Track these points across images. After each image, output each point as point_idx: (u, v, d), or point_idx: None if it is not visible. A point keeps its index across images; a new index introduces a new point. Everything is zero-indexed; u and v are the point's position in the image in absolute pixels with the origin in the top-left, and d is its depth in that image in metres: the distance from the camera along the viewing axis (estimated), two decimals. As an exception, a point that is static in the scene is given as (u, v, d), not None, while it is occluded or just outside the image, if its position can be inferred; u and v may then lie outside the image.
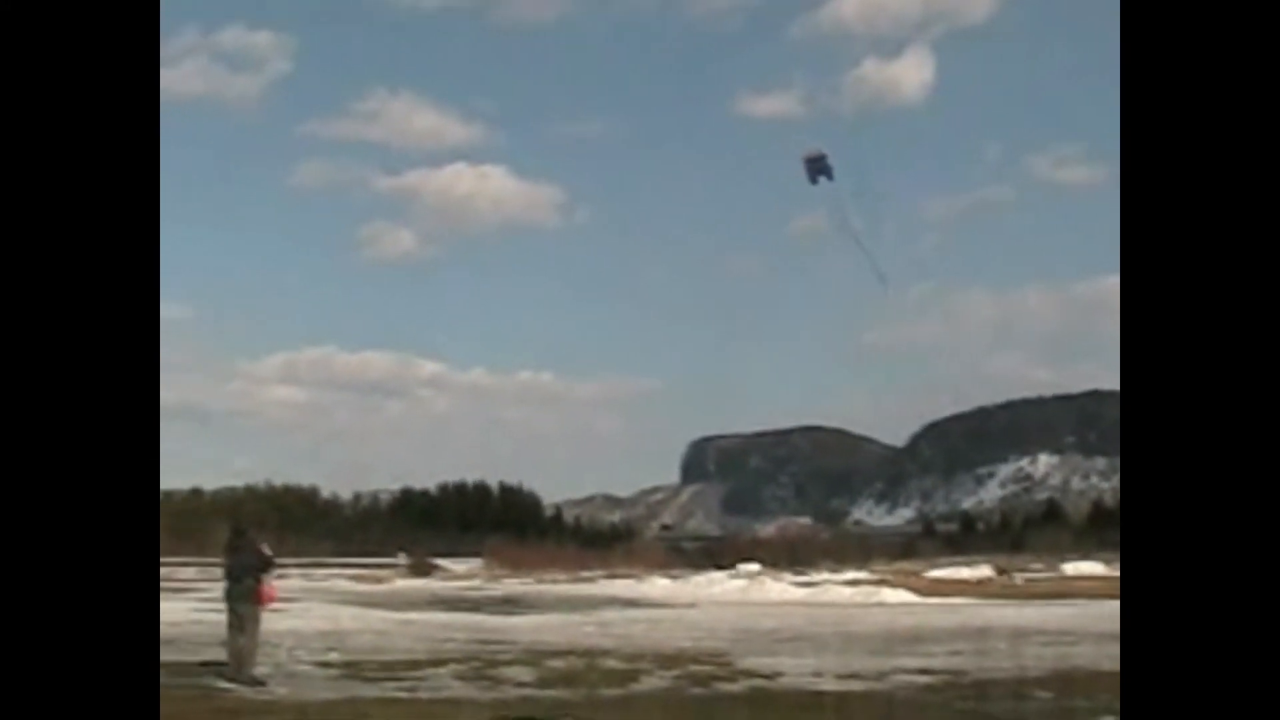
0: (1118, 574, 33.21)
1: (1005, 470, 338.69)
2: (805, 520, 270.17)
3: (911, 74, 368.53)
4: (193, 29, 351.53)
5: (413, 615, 32.97)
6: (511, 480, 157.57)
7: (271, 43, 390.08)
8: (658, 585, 53.30)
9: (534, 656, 20.10)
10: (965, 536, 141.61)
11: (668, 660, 19.61)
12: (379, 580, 66.14)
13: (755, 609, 36.98)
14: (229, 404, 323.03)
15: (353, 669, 18.29)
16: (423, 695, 15.69)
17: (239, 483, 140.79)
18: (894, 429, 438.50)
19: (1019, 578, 55.31)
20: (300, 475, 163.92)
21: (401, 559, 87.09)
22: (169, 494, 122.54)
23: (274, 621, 21.31)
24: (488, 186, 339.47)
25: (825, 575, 53.94)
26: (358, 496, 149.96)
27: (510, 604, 41.64)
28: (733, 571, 57.80)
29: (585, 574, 70.00)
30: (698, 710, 15.18)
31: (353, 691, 15.84)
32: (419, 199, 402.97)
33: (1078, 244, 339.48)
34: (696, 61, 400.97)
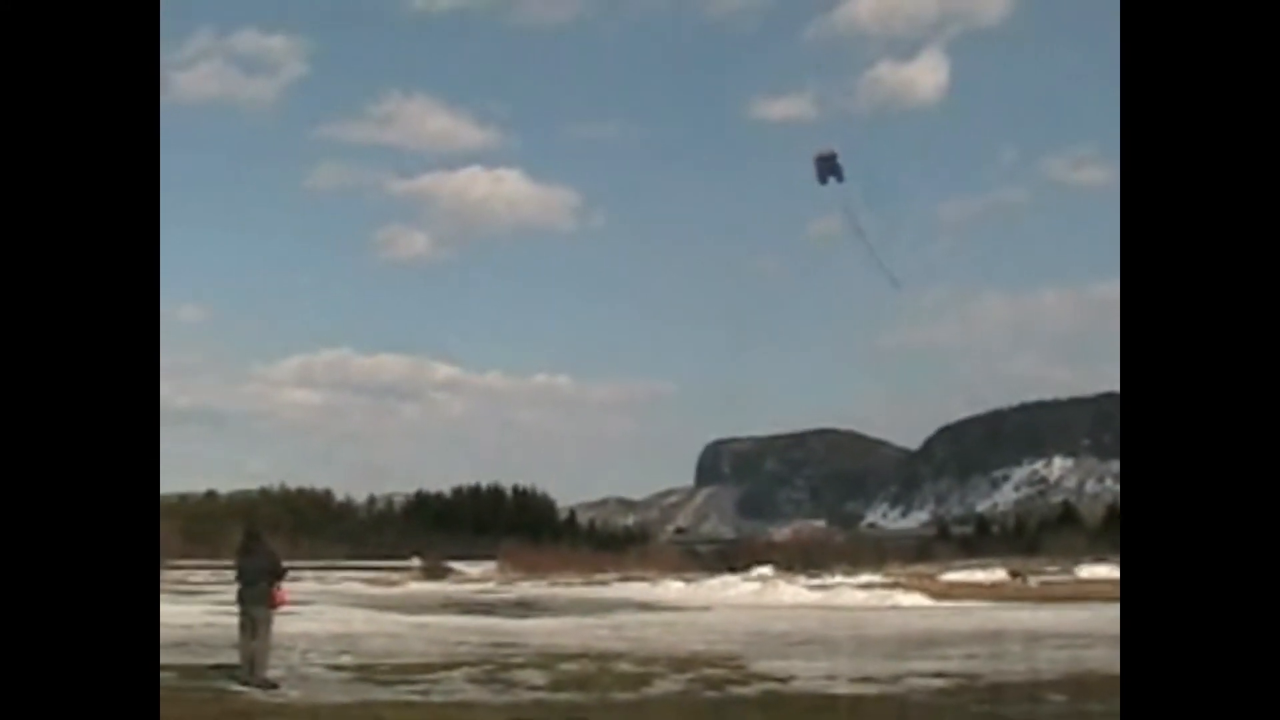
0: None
1: (1020, 473, 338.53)
2: (820, 523, 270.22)
3: (926, 76, 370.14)
4: (207, 31, 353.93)
5: (426, 618, 32.97)
6: (526, 483, 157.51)
7: (286, 46, 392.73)
8: (671, 588, 53.22)
9: (547, 660, 20.06)
10: (980, 539, 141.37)
11: (681, 663, 19.56)
12: (393, 583, 66.16)
13: (769, 612, 36.88)
14: (244, 406, 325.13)
15: (365, 672, 18.28)
16: (435, 698, 15.66)
17: (253, 485, 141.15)
18: (909, 432, 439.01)
19: (1033, 581, 55.12)
20: (315, 478, 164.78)
21: (415, 562, 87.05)
22: (184, 496, 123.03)
23: (287, 624, 21.32)
24: (502, 190, 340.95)
25: (839, 578, 53.79)
26: (372, 499, 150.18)
27: (524, 607, 41.59)
28: (746, 574, 57.67)
29: (599, 577, 69.93)
30: (711, 713, 15.12)
31: (365, 695, 15.82)
32: (434, 202, 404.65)
33: (1094, 245, 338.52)
34: (711, 64, 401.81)
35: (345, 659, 20.22)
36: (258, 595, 16.76)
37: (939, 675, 17.84)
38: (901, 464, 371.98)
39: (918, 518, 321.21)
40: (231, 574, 18.75)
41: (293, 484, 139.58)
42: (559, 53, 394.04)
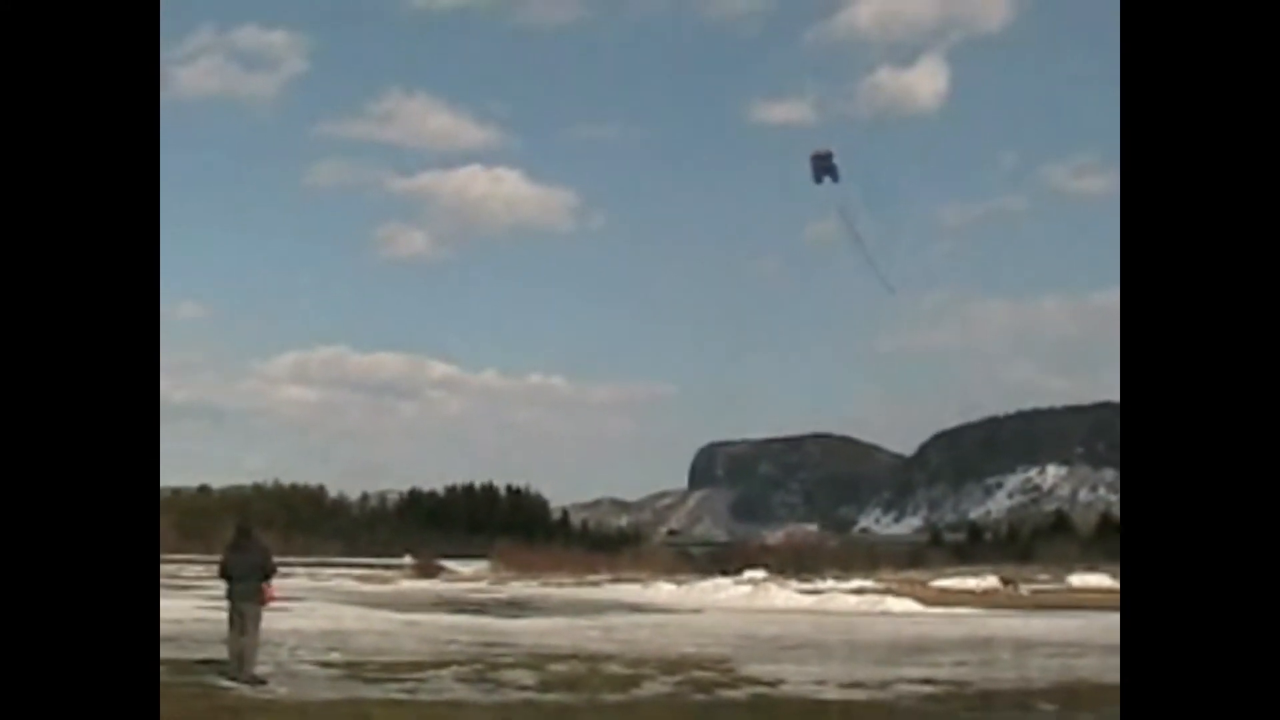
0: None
1: (1013, 481, 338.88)
2: (813, 527, 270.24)
3: (926, 82, 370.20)
4: (208, 27, 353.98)
5: (417, 616, 32.96)
6: (520, 483, 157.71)
7: (287, 42, 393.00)
8: (663, 590, 53.26)
9: (537, 660, 20.04)
10: (972, 546, 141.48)
11: (671, 666, 19.54)
12: (385, 581, 66.18)
13: (760, 615, 36.89)
14: (241, 403, 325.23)
15: (354, 669, 18.24)
16: (424, 697, 15.63)
17: (248, 481, 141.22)
18: (904, 437, 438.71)
19: (1025, 588, 55.22)
20: (311, 475, 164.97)
21: (408, 560, 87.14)
22: (178, 491, 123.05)
23: (277, 620, 21.32)
24: (501, 189, 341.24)
25: (831, 583, 53.87)
26: (366, 497, 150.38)
27: (515, 607, 41.63)
28: (739, 577, 57.75)
29: (591, 578, 70.04)
30: (699, 716, 15.08)
31: (353, 692, 15.79)
32: (433, 201, 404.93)
33: (1093, 253, 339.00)
34: (711, 67, 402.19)
35: (335, 656, 20.19)
36: (248, 591, 16.73)
37: (928, 682, 17.83)
38: (896, 469, 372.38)
39: (911, 523, 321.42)
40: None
41: (287, 480, 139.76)
42: (559, 53, 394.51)
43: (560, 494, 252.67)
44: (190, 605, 31.23)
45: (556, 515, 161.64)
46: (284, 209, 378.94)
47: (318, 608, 33.91)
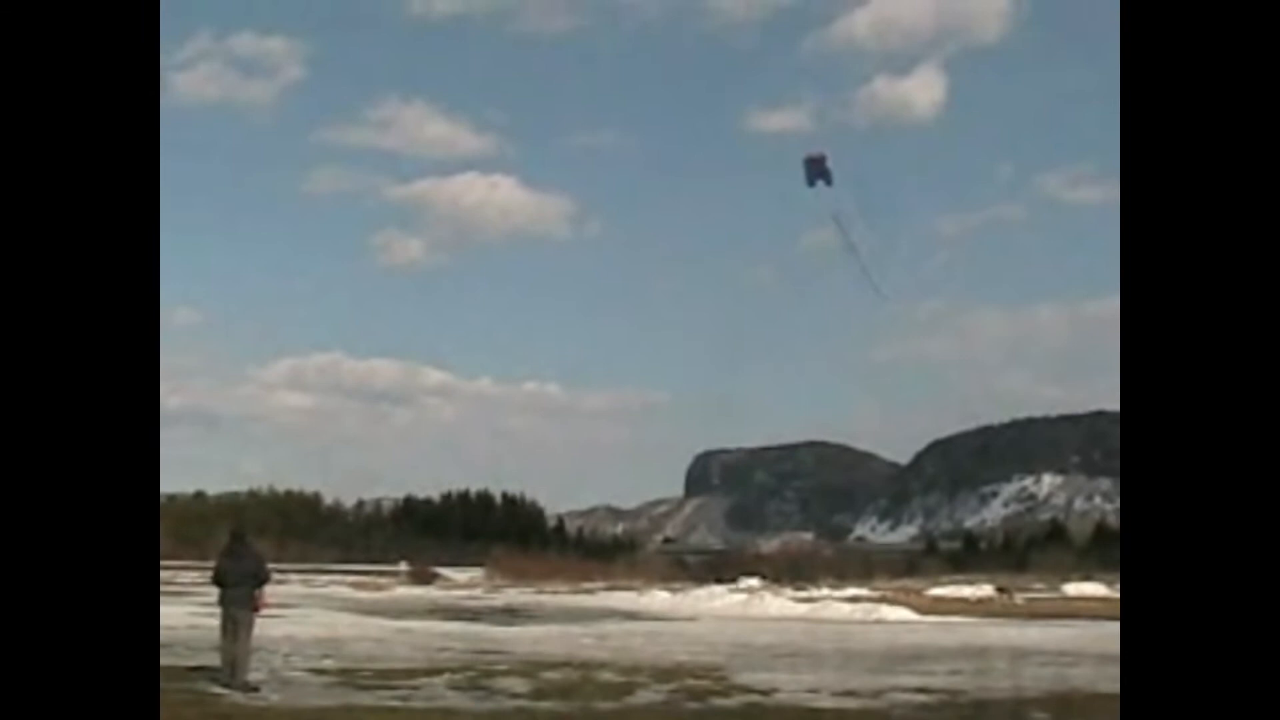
0: (1119, 595, 33.07)
1: (1009, 489, 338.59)
2: (808, 535, 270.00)
3: (923, 91, 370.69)
4: (206, 33, 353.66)
5: (411, 624, 32.92)
6: (515, 490, 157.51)
7: (285, 49, 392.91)
8: (658, 598, 53.17)
9: (530, 667, 20.01)
10: (968, 555, 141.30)
11: (664, 674, 19.53)
12: (379, 588, 66.02)
13: (754, 624, 36.88)
14: (237, 409, 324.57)
15: (347, 676, 18.23)
16: (416, 704, 15.63)
17: (244, 488, 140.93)
18: (899, 446, 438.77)
19: (1020, 597, 55.15)
20: (306, 481, 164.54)
21: (403, 567, 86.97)
22: (172, 497, 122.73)
23: (271, 627, 21.28)
24: (498, 197, 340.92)
25: (826, 591, 53.80)
26: (361, 504, 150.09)
27: (510, 614, 41.58)
28: (733, 585, 57.68)
29: (586, 585, 69.92)
30: (692, 725, 15.12)
31: (346, 699, 15.79)
32: (429, 208, 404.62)
33: (1089, 263, 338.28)
34: (708, 76, 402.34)
35: (328, 663, 20.17)
36: (240, 598, 16.72)
37: (922, 690, 17.82)
38: (891, 478, 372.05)
39: (906, 532, 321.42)
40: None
41: (283, 487, 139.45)
42: (557, 62, 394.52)
43: (556, 501, 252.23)
44: (184, 611, 31.15)
45: (552, 523, 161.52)
46: (281, 215, 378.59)
47: (312, 614, 33.85)
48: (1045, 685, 18.35)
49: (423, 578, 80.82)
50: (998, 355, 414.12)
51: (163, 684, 16.00)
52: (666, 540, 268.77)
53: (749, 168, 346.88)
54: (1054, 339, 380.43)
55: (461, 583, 79.06)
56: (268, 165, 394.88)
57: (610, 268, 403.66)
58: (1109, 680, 15.59)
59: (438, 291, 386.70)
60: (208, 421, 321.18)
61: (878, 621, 38.85)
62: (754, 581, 60.73)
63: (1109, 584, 58.14)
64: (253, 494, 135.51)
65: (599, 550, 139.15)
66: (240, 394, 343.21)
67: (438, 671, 19.17)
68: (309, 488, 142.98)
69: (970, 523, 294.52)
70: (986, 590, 57.48)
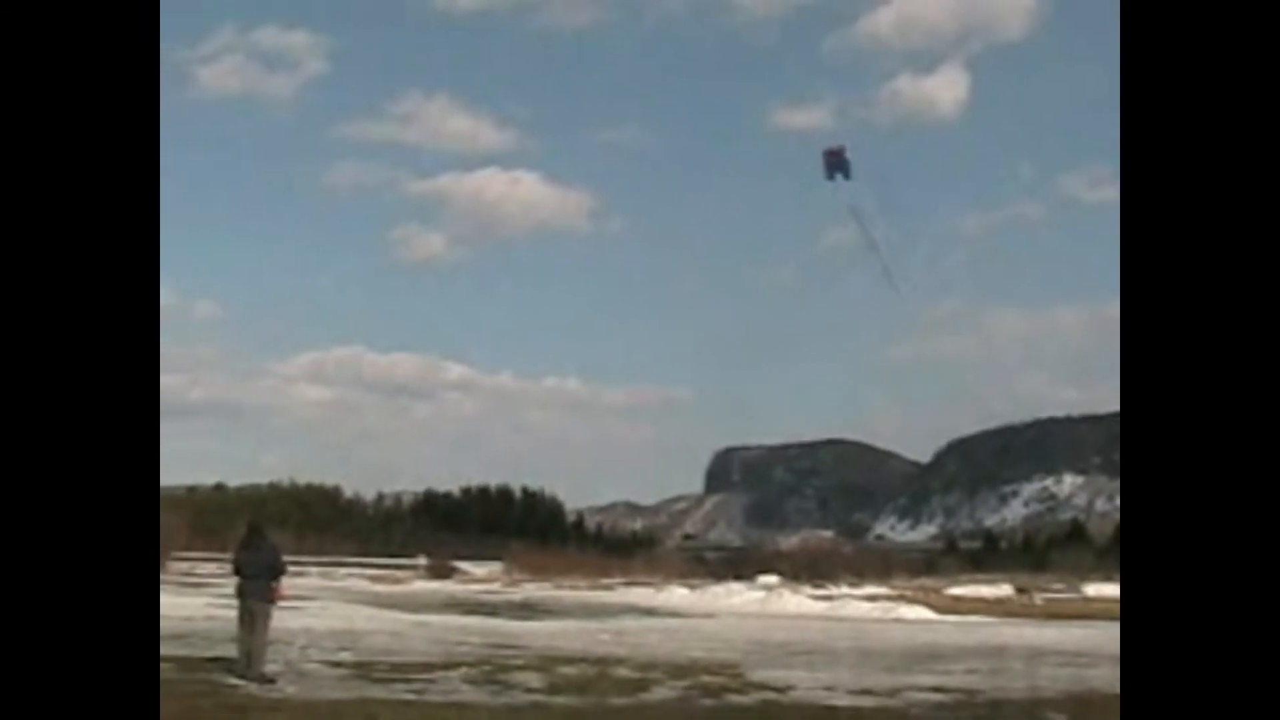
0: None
1: (1029, 489, 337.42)
2: (827, 533, 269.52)
3: (946, 90, 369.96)
4: (230, 27, 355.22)
5: (428, 617, 32.95)
6: (535, 485, 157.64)
7: (308, 43, 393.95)
8: (676, 594, 53.17)
9: (546, 662, 20.01)
10: (987, 554, 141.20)
11: (680, 670, 19.50)
12: (398, 581, 66.21)
13: (772, 621, 36.83)
14: (257, 401, 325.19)
15: (363, 669, 18.25)
16: (432, 698, 15.62)
17: (264, 480, 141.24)
18: (919, 444, 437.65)
19: (1039, 597, 54.98)
20: (326, 474, 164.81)
21: (421, 561, 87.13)
22: (193, 489, 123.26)
23: (288, 619, 21.34)
24: (519, 192, 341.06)
25: (844, 589, 53.75)
26: (380, 497, 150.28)
27: (527, 609, 41.59)
28: (752, 583, 57.65)
29: (604, 581, 69.92)
30: (707, 721, 15.08)
31: (361, 692, 15.79)
32: (450, 203, 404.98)
33: (1109, 263, 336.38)
34: (730, 72, 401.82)
35: (344, 655, 20.20)
36: (257, 590, 16.76)
37: (938, 690, 17.76)
38: (911, 477, 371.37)
39: (926, 531, 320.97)
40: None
41: (302, 480, 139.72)
42: (579, 57, 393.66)
43: (575, 497, 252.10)
44: (202, 603, 31.33)
45: (571, 518, 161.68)
46: (302, 209, 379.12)
47: (330, 607, 33.94)
48: (1063, 686, 18.29)
49: (441, 572, 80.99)
50: (1017, 355, 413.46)
51: (180, 674, 16.15)
52: (686, 537, 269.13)
53: (771, 165, 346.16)
54: (1074, 339, 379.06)
55: (480, 577, 79.16)
56: (289, 159, 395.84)
57: (631, 264, 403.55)
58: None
59: (459, 286, 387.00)
60: (228, 414, 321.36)
61: (896, 620, 38.78)
62: (772, 579, 60.70)
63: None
64: (273, 486, 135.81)
65: (618, 546, 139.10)
66: (261, 387, 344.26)
67: (454, 666, 19.18)
68: (329, 481, 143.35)
69: (990, 522, 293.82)
70: (1006, 590, 57.37)
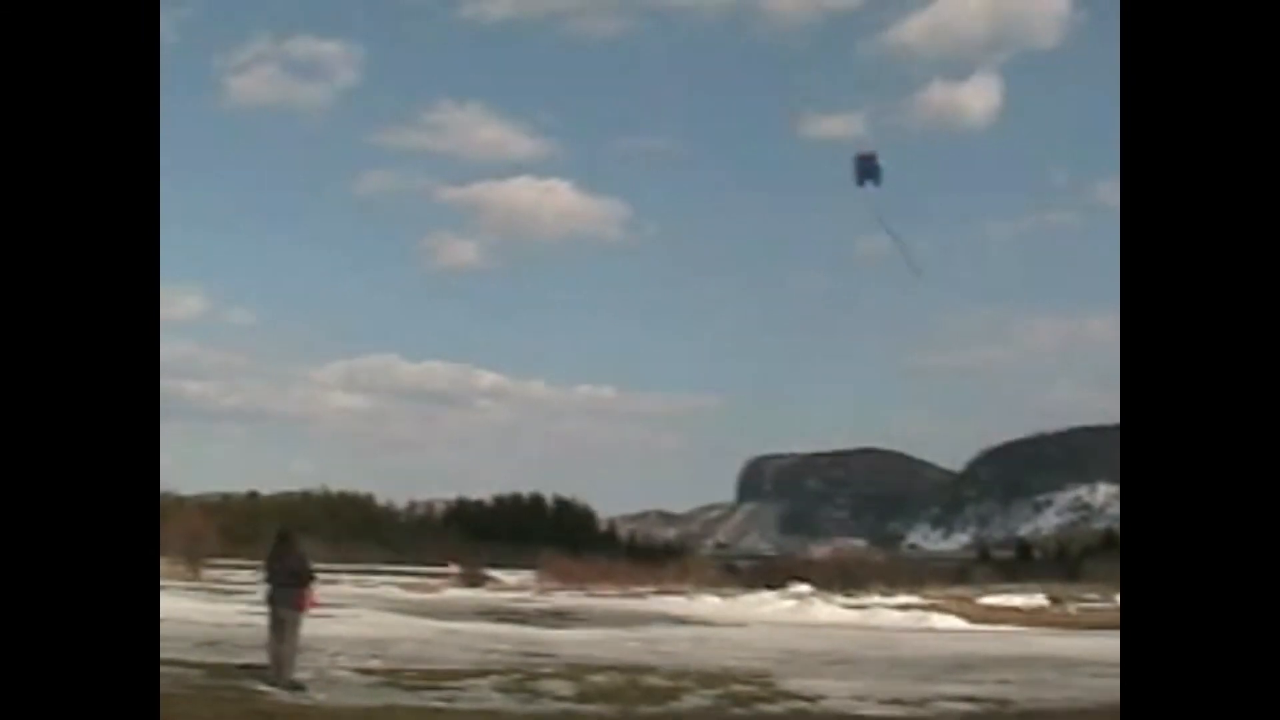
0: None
1: (1063, 498, 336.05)
2: (860, 542, 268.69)
3: (979, 97, 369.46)
4: (263, 37, 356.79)
5: (459, 625, 32.94)
6: (567, 493, 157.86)
7: (341, 52, 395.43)
8: (708, 603, 53.04)
9: (576, 671, 19.98)
10: (1021, 564, 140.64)
11: (710, 679, 19.45)
12: (430, 589, 66.15)
13: (804, 630, 36.70)
14: (290, 409, 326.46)
15: (393, 677, 18.26)
16: (461, 705, 15.64)
17: (297, 488, 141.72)
18: (953, 453, 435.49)
19: (1073, 607, 54.67)
20: (358, 482, 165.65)
21: (453, 568, 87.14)
22: (226, 496, 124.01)
23: (320, 627, 21.35)
24: (552, 200, 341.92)
25: (876, 598, 53.53)
26: (412, 505, 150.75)
27: (558, 617, 41.54)
28: (784, 591, 57.46)
29: (636, 589, 69.80)
30: (736, 730, 15.04)
31: (391, 699, 15.81)
32: (483, 211, 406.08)
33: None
34: (762, 80, 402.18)
35: (374, 663, 20.21)
36: (286, 597, 16.81)
37: (969, 700, 17.69)
38: (944, 486, 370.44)
39: (959, 540, 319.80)
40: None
41: (335, 487, 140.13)
42: (610, 65, 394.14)
43: (608, 505, 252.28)
44: (234, 610, 31.40)
45: (603, 526, 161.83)
46: (335, 217, 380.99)
47: (361, 614, 33.93)
48: (1095, 696, 18.16)
49: (473, 580, 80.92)
50: (1051, 363, 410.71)
51: (209, 681, 16.21)
52: (718, 545, 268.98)
53: (802, 173, 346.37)
54: (1108, 347, 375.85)
55: (511, 585, 79.12)
56: (323, 168, 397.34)
57: (663, 272, 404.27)
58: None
59: (491, 294, 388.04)
60: (261, 421, 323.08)
61: (928, 630, 38.57)
62: (804, 588, 60.50)
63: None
64: (305, 494, 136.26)
65: (650, 555, 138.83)
66: (294, 395, 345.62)
67: (483, 673, 19.17)
68: (361, 489, 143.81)
69: (1024, 531, 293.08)
70: (1039, 600, 57.09)
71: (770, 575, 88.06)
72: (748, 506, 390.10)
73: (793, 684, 19.22)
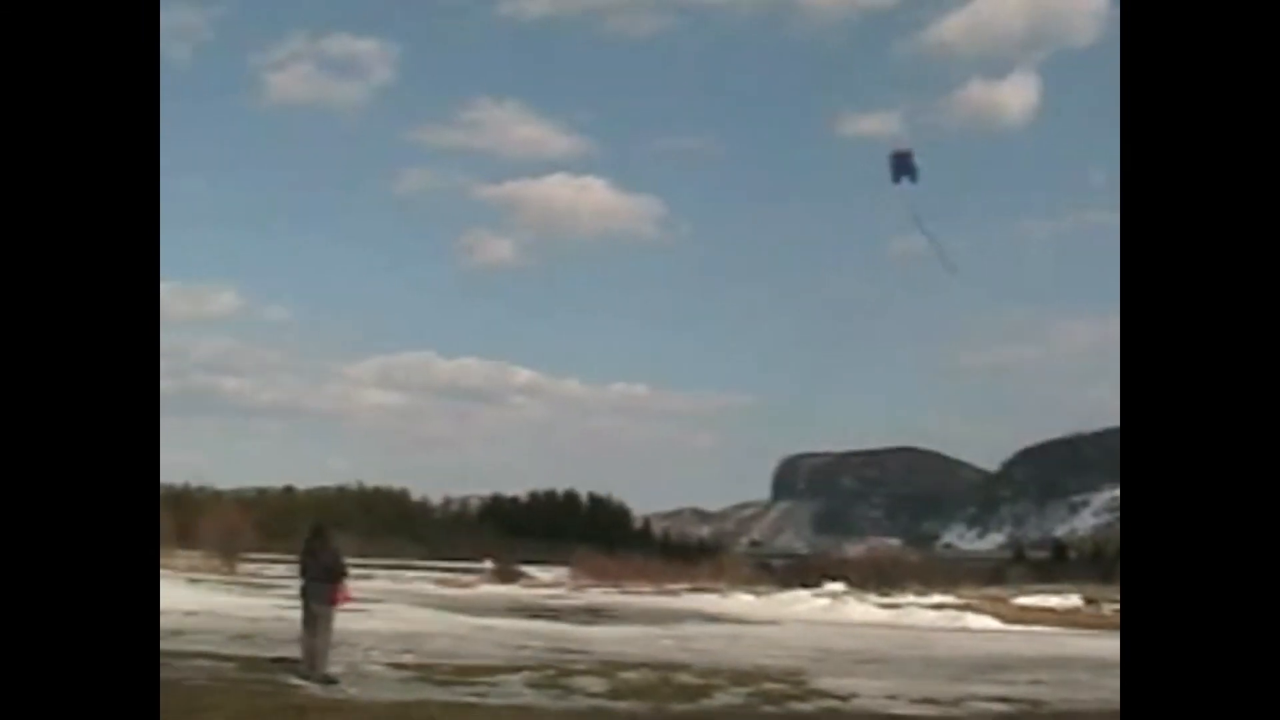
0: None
1: (1100, 499, 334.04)
2: (895, 542, 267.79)
3: (1016, 95, 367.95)
4: (301, 35, 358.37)
5: (493, 621, 32.98)
6: (602, 490, 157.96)
7: (377, 50, 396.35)
8: (741, 601, 52.98)
9: (608, 668, 19.99)
10: (1056, 564, 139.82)
11: (742, 677, 19.43)
12: (464, 585, 66.34)
13: (837, 629, 36.61)
14: (326, 405, 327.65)
15: (425, 672, 18.31)
16: (493, 701, 15.66)
17: (332, 483, 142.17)
18: (988, 453, 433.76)
19: (1108, 608, 54.32)
20: (393, 478, 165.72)
21: (487, 565, 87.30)
22: (263, 491, 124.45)
23: (353, 621, 21.45)
24: (587, 198, 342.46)
25: (910, 598, 53.35)
26: (448, 501, 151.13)
27: (592, 614, 41.56)
28: (817, 590, 57.35)
29: (670, 587, 69.77)
30: (768, 728, 15.02)
31: (423, 694, 15.85)
32: (519, 208, 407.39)
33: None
34: (799, 79, 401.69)
35: (407, 658, 20.28)
36: (319, 592, 16.88)
37: (1002, 700, 17.63)
38: (980, 485, 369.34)
39: (995, 540, 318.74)
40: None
41: (370, 483, 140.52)
42: (647, 64, 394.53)
43: (642, 503, 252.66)
44: (268, 604, 31.58)
45: (638, 524, 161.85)
46: (371, 215, 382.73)
47: (395, 610, 34.05)
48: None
49: (507, 576, 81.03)
50: (1088, 363, 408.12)
51: (243, 674, 16.32)
52: (753, 543, 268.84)
53: (839, 172, 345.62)
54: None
55: (545, 582, 79.19)
56: (359, 165, 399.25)
57: (699, 270, 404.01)
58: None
59: (527, 292, 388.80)
60: (297, 417, 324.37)
61: (962, 629, 38.43)
62: (838, 586, 60.36)
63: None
64: (341, 490, 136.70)
65: (684, 552, 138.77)
66: (330, 391, 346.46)
67: (516, 669, 19.21)
68: (396, 485, 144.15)
69: (1059, 532, 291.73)
70: (1074, 600, 56.72)
71: (804, 574, 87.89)
72: (782, 505, 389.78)
73: (825, 682, 19.19)
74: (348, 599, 17.58)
